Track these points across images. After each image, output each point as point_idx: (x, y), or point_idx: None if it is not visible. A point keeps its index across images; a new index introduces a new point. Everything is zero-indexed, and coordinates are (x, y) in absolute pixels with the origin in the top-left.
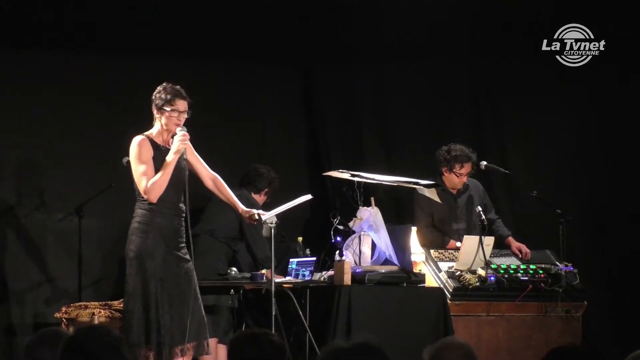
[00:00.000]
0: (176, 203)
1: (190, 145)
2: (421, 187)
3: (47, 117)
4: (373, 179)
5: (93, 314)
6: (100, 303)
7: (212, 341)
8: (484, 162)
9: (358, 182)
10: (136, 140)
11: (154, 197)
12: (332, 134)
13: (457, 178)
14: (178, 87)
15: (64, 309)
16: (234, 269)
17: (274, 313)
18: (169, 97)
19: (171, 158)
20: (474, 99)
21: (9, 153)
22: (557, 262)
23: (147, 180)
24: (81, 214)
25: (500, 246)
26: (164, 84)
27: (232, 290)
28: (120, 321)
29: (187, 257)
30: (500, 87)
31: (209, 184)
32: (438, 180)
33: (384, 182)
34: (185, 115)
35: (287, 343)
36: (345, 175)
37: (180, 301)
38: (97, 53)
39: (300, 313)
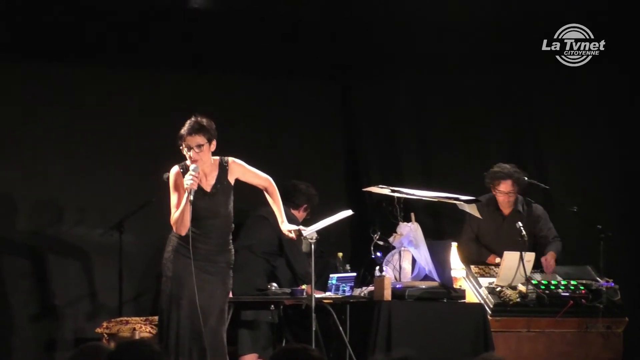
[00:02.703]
0: (211, 231)
1: (240, 165)
2: (461, 202)
3: (88, 132)
4: (413, 195)
5: (134, 329)
6: (142, 318)
7: (252, 357)
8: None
9: (398, 197)
10: (171, 171)
11: (179, 231)
12: (370, 150)
13: (500, 196)
14: (195, 121)
15: (104, 324)
16: (274, 284)
17: (313, 328)
18: (180, 135)
19: (184, 198)
20: (512, 113)
21: (49, 168)
22: (597, 278)
23: (173, 214)
24: (122, 229)
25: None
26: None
27: (272, 306)
28: None
29: (219, 280)
30: (538, 100)
31: (265, 191)
32: (493, 200)
33: (423, 198)
34: (199, 150)
35: (327, 358)
36: (385, 190)
37: (200, 321)
38: (138, 69)
39: (340, 328)
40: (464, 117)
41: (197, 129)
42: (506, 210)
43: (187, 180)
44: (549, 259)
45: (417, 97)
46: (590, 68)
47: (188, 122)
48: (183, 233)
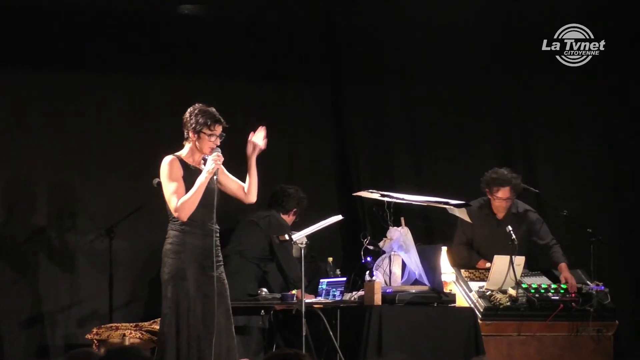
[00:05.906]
0: (207, 223)
1: (222, 166)
2: (451, 207)
3: (78, 139)
4: (403, 199)
5: (124, 335)
6: (131, 324)
7: None
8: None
9: (388, 202)
10: (166, 160)
11: (184, 216)
12: (361, 154)
13: (496, 202)
14: (213, 109)
15: (95, 330)
16: (264, 289)
17: (304, 333)
18: (209, 122)
19: (204, 177)
20: (502, 118)
21: (40, 175)
22: (588, 282)
23: (178, 199)
24: (112, 235)
25: (532, 267)
26: (197, 105)
27: (262, 311)
28: (151, 342)
29: (223, 277)
30: (529, 105)
31: (241, 194)
32: (486, 203)
33: (414, 202)
34: (220, 139)
35: None
36: (375, 195)
37: (211, 322)
38: (128, 74)
39: (331, 333)
40: (457, 120)
41: (222, 120)
42: (500, 214)
43: (216, 163)
44: (570, 280)
45: (408, 101)
46: (584, 69)
47: (206, 109)
48: (185, 218)
